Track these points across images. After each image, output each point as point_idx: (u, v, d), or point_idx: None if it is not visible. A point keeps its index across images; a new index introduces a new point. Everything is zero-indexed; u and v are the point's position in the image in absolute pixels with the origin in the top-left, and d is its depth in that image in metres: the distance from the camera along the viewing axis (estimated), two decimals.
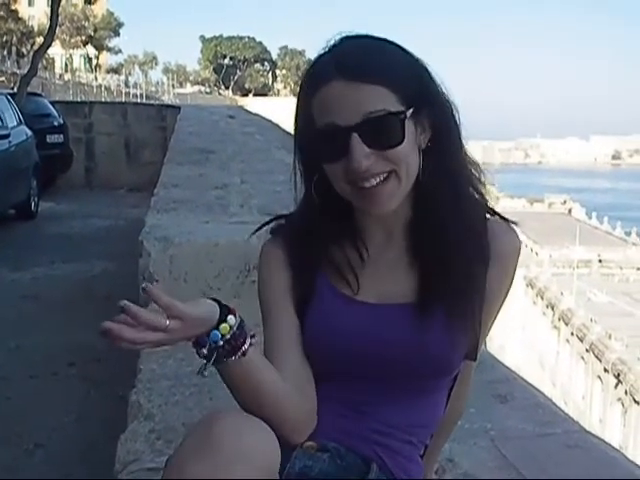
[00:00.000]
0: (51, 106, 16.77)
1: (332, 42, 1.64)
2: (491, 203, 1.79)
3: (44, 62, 34.06)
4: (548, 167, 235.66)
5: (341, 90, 1.55)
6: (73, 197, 15.04)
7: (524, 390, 3.37)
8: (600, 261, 60.61)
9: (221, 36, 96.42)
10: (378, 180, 1.57)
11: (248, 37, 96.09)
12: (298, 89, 1.70)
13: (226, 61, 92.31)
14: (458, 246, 1.66)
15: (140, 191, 13.45)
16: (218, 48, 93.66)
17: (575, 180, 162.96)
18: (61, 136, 15.94)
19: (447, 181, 1.66)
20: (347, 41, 1.63)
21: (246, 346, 1.49)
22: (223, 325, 1.45)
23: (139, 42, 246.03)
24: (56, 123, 16.07)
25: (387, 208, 1.62)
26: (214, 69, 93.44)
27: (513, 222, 1.82)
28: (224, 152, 7.54)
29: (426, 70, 1.65)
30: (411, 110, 1.58)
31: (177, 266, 3.80)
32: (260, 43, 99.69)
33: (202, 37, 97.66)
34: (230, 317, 1.46)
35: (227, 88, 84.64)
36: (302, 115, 1.65)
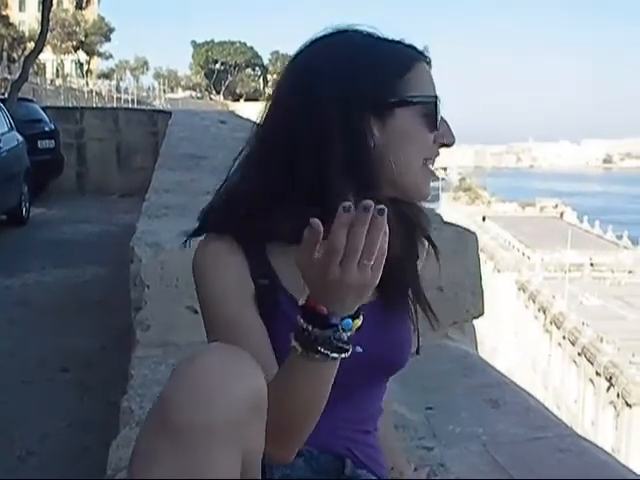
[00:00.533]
0: (42, 112, 16.75)
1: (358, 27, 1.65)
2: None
3: (35, 67, 34.07)
4: (540, 171, 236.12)
5: (429, 71, 1.65)
6: (64, 203, 15.01)
7: (515, 394, 3.38)
8: (592, 265, 60.77)
9: (212, 41, 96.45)
10: None
11: (239, 42, 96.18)
12: (385, 56, 1.61)
13: (217, 66, 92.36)
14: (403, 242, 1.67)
15: (131, 196, 13.43)
16: (209, 53, 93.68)
17: (567, 184, 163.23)
18: (52, 142, 15.92)
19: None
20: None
21: (349, 351, 1.38)
22: (357, 320, 1.34)
23: (130, 47, 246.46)
24: (47, 129, 16.04)
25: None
26: (205, 74, 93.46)
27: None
28: (215, 157, 7.53)
29: None
30: None
31: (168, 272, 3.79)
32: (251, 48, 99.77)
33: (193, 42, 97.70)
34: (361, 316, 1.35)
35: (218, 93, 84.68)
36: (388, 89, 1.58)
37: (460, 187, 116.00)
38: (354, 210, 1.21)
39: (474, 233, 4.15)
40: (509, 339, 53.46)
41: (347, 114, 1.55)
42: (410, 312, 1.73)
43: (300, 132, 1.56)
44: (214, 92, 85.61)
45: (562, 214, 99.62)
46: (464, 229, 4.17)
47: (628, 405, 41.45)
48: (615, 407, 43.03)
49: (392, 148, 1.57)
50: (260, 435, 1.41)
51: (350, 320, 1.33)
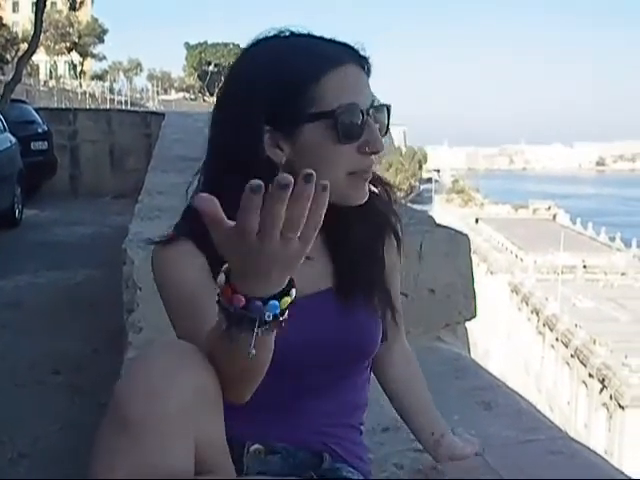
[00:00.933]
0: (35, 113, 16.73)
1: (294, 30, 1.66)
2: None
3: (28, 69, 34.00)
4: (533, 173, 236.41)
5: (358, 74, 1.60)
6: (57, 204, 14.99)
7: (508, 397, 3.37)
8: (585, 267, 60.86)
9: (205, 43, 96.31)
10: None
11: (233, 44, 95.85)
12: (290, 71, 1.59)
13: (211, 68, 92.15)
14: (364, 233, 1.71)
15: (124, 198, 13.42)
16: (202, 55, 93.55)
17: (559, 186, 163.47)
18: (45, 143, 15.90)
19: None
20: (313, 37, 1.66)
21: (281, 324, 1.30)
22: (285, 299, 1.26)
23: (124, 49, 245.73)
24: (40, 130, 16.02)
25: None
26: (199, 76, 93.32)
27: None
28: None
29: None
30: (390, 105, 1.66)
31: None
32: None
33: (187, 44, 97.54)
34: (293, 291, 1.27)
35: (212, 95, 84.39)
36: (295, 96, 1.56)
37: (453, 189, 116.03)
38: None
39: (466, 235, 4.15)
40: (502, 341, 53.51)
41: (245, 130, 1.57)
42: (374, 301, 1.75)
43: (218, 142, 1.65)
44: (207, 94, 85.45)
45: (555, 216, 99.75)
46: (456, 231, 4.16)
47: (621, 407, 41.49)
48: (608, 409, 43.07)
49: (304, 164, 1.39)
50: (217, 426, 1.44)
51: (276, 302, 1.24)
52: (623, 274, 65.18)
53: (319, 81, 1.55)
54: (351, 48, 1.62)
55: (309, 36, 1.65)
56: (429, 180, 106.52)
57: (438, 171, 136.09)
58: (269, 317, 1.25)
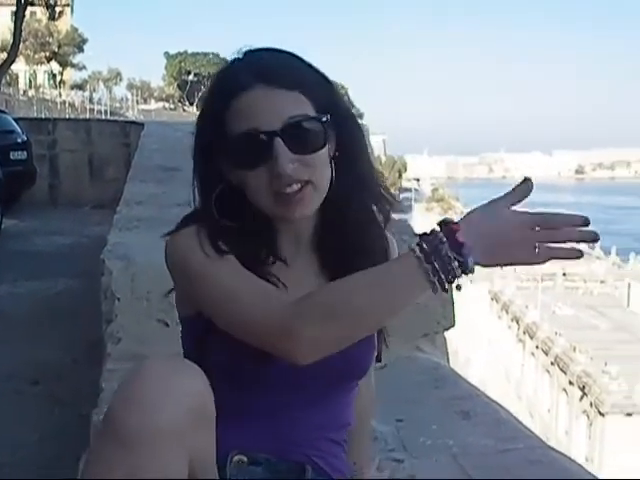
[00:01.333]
0: (14, 123, 16.64)
1: (243, 51, 1.68)
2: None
3: (7, 78, 33.90)
4: (512, 181, 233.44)
5: (262, 96, 1.58)
6: (36, 214, 14.91)
7: (486, 406, 3.39)
8: (564, 274, 61.01)
9: (185, 52, 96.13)
10: (299, 186, 1.59)
11: (212, 53, 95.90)
12: (206, 99, 1.71)
13: (190, 77, 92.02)
14: (363, 256, 1.69)
15: (103, 208, 13.37)
16: (182, 64, 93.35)
17: (540, 194, 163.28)
18: (24, 153, 15.81)
19: (355, 192, 1.70)
20: (259, 51, 1.68)
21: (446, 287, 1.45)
22: (473, 270, 1.45)
23: (104, 58, 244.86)
24: (20, 140, 15.93)
25: (307, 213, 1.65)
26: (178, 85, 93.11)
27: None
28: (188, 169, 7.51)
29: (332, 82, 1.70)
30: (328, 116, 1.62)
31: (139, 285, 3.78)
32: (224, 59, 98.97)
33: (166, 53, 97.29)
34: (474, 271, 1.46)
35: (191, 104, 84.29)
36: (212, 125, 1.64)
37: (433, 198, 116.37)
38: None
39: None
40: (483, 349, 53.59)
41: (196, 154, 1.71)
42: None
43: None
44: (187, 103, 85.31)
45: None
46: None
47: (601, 414, 41.61)
48: (588, 416, 43.19)
49: (241, 184, 1.63)
50: (209, 442, 1.48)
51: (473, 264, 1.41)
52: (602, 282, 65.45)
53: (229, 109, 1.61)
54: (263, 68, 1.62)
55: (236, 60, 1.69)
56: (409, 189, 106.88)
57: (418, 180, 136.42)
58: (457, 270, 1.41)
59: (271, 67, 1.61)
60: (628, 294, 60.75)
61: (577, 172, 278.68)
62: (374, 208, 1.76)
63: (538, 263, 1.44)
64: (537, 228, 1.43)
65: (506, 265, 1.45)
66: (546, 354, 48.88)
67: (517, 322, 54.31)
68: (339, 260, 1.71)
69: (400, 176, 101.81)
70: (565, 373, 45.85)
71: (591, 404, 42.56)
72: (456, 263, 1.40)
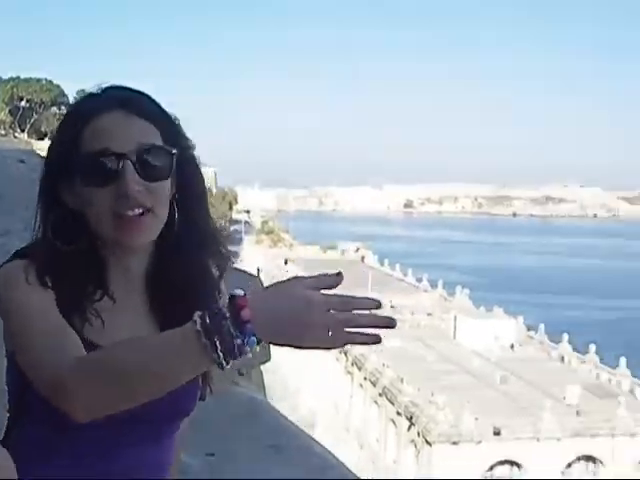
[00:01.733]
0: None
1: (102, 87, 1.75)
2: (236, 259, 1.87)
3: None
4: (342, 215, 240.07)
5: (120, 119, 1.64)
6: None
7: (298, 438, 3.44)
8: (392, 307, 62.10)
9: (18, 77, 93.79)
10: (141, 211, 1.61)
11: (45, 79, 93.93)
12: (64, 121, 1.77)
13: (23, 103, 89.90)
14: (192, 304, 1.61)
15: None
16: (15, 90, 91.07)
17: (369, 227, 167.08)
18: None
19: (193, 247, 1.74)
20: (119, 87, 1.74)
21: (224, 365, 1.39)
22: (257, 347, 1.38)
23: None
24: None
25: (145, 239, 1.66)
26: (10, 111, 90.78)
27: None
28: (11, 197, 7.34)
29: (177, 121, 1.75)
30: (175, 151, 1.67)
31: None
32: (58, 86, 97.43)
33: None
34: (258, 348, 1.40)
35: (23, 131, 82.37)
36: (65, 144, 1.67)
37: (262, 230, 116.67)
38: None
39: (257, 277, 4.23)
40: (313, 380, 53.96)
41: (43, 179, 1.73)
42: None
43: None
44: (19, 130, 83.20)
45: (363, 258, 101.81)
46: (248, 273, 4.23)
47: (428, 443, 42.54)
48: (416, 445, 44.06)
49: (83, 207, 1.65)
50: None
51: (256, 341, 1.35)
52: (429, 314, 67.09)
53: (89, 126, 1.65)
54: (124, 97, 1.69)
55: (97, 91, 1.75)
56: (239, 221, 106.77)
57: (248, 212, 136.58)
58: (246, 344, 1.34)
59: (131, 97, 1.68)
60: (454, 326, 62.43)
61: (406, 206, 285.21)
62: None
63: (335, 347, 1.40)
64: (332, 311, 1.40)
65: (301, 348, 1.39)
66: (374, 385, 49.67)
67: (345, 354, 54.97)
68: (167, 305, 1.72)
69: (231, 208, 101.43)
70: (393, 404, 46.69)
71: (418, 433, 43.46)
72: (239, 341, 1.34)
